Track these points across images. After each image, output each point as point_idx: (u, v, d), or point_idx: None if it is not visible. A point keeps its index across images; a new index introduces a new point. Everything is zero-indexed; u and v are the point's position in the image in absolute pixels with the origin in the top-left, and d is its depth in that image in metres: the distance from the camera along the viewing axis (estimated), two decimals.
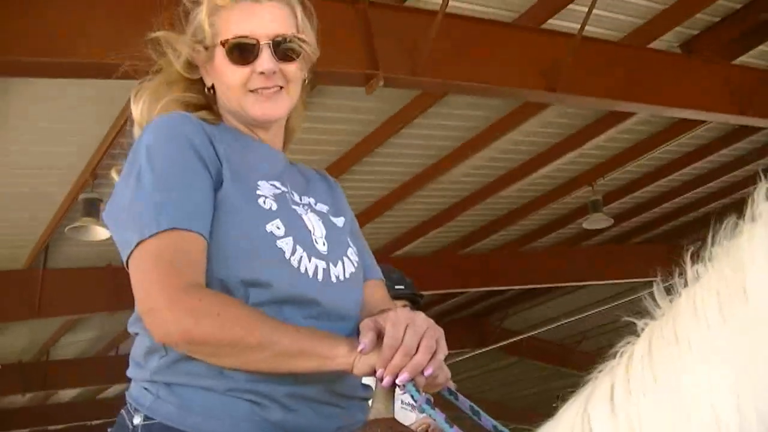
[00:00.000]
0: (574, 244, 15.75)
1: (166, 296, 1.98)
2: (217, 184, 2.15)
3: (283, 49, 2.29)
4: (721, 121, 10.88)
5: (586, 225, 13.44)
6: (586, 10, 8.14)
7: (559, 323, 18.13)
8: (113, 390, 21.73)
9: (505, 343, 18.76)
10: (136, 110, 2.37)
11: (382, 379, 1.94)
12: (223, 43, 2.28)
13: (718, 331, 1.67)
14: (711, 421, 1.63)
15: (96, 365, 18.71)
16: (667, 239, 16.03)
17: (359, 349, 1.93)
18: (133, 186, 2.11)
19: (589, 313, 17.60)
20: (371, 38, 7.51)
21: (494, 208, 13.63)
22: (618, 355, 1.83)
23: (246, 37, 2.26)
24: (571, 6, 8.46)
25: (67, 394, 21.80)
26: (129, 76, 2.42)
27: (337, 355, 1.96)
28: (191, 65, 2.37)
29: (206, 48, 2.33)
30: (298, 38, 2.33)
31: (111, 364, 18.43)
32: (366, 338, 1.94)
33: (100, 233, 10.35)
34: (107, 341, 17.75)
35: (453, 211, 13.34)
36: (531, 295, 18.10)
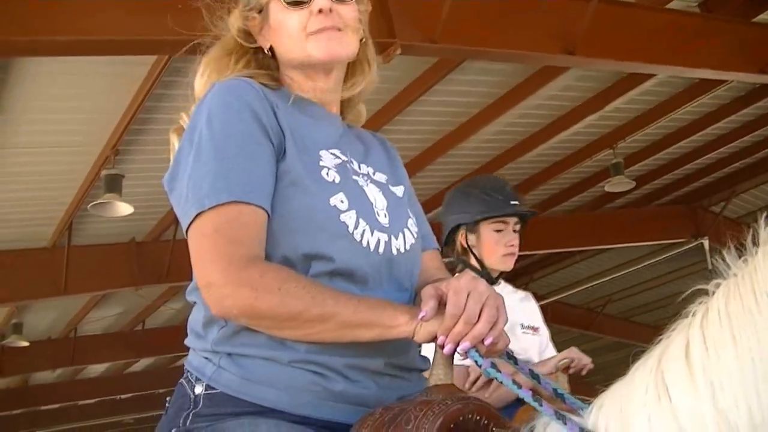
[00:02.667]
0: (597, 208, 15.71)
1: (225, 271, 1.97)
2: (280, 155, 2.13)
3: None
4: (741, 80, 10.81)
5: (608, 188, 13.39)
6: None
7: (583, 287, 18.12)
8: (141, 364, 21.94)
9: None
10: (198, 84, 2.35)
11: (443, 347, 1.94)
12: None
13: None
14: None
15: (123, 340, 18.89)
16: (689, 200, 15.97)
17: (420, 316, 1.94)
18: (193, 155, 2.09)
19: (614, 276, 17.59)
20: (387, 7, 7.48)
21: (515, 174, 13.60)
22: (690, 314, 1.80)
23: None
24: None
25: (95, 369, 21.99)
26: (194, 52, 2.41)
27: (398, 324, 1.96)
28: (247, 34, 2.35)
29: (259, 12, 2.32)
30: None
31: (138, 338, 18.64)
32: (427, 306, 1.94)
33: (123, 209, 10.41)
34: (133, 316, 17.89)
35: None
36: (555, 259, 18.10)
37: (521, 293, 4.69)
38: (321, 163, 2.19)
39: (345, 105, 2.50)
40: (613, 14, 8.87)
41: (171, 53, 7.82)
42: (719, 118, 12.55)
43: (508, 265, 4.38)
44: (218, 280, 1.98)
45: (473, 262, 4.36)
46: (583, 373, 4.23)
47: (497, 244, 4.33)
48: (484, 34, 8.31)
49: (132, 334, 18.85)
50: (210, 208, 2.01)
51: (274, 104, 2.19)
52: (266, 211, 2.06)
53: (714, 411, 1.65)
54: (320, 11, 2.24)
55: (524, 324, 4.44)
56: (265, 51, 2.37)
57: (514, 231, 4.40)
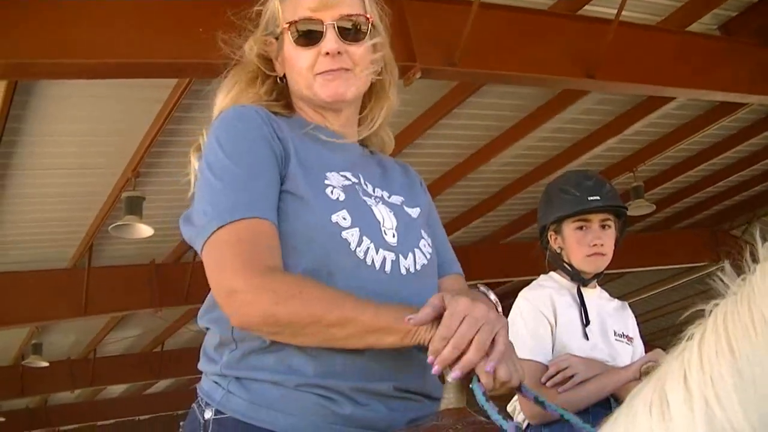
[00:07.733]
0: None
1: (247, 279, 1.98)
2: (283, 176, 2.16)
3: (348, 30, 2.28)
4: (763, 103, 10.77)
5: (628, 211, 13.31)
6: None
7: None
8: (160, 385, 21.97)
9: None
10: (220, 103, 2.38)
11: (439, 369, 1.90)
12: (288, 26, 2.28)
13: None
14: None
15: (142, 361, 18.94)
16: (710, 224, 15.91)
17: (407, 318, 1.89)
18: (207, 177, 2.13)
19: (634, 299, 17.50)
20: (407, 30, 7.50)
21: (535, 197, 13.50)
22: (687, 338, 1.78)
23: (310, 19, 2.27)
24: None
25: (114, 390, 22.04)
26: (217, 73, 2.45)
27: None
28: (266, 60, 2.39)
29: (276, 38, 2.35)
30: (365, 18, 2.32)
31: (157, 360, 18.67)
32: (422, 313, 1.90)
33: (144, 231, 10.45)
34: (153, 337, 17.93)
35: (494, 201, 13.32)
36: None
37: (617, 302, 4.49)
38: (326, 182, 2.20)
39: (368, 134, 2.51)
40: (633, 37, 8.86)
41: (192, 76, 7.87)
42: (740, 141, 12.52)
43: (595, 266, 4.17)
44: (241, 287, 1.98)
45: (565, 264, 4.19)
46: None
47: (579, 243, 4.11)
48: (504, 57, 8.32)
49: (151, 356, 18.90)
50: (230, 222, 2.04)
51: (279, 128, 2.23)
52: (277, 227, 2.09)
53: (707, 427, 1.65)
54: (327, 53, 2.26)
55: (617, 331, 4.25)
56: (278, 79, 2.41)
57: (604, 228, 4.17)
